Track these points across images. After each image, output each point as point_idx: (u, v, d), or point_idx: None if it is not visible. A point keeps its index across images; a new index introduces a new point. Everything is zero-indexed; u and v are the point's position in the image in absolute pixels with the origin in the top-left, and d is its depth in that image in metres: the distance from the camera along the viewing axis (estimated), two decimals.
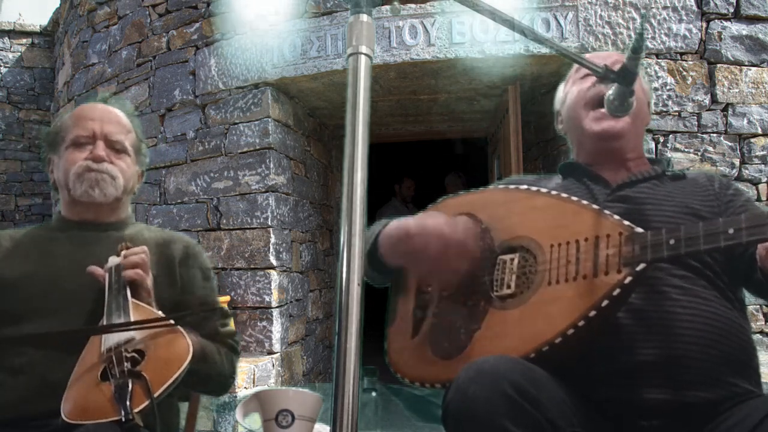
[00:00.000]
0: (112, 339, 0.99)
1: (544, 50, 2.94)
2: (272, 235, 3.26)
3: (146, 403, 0.88)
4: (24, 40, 5.88)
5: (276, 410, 0.99)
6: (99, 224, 1.27)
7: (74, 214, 1.27)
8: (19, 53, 5.87)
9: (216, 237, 3.38)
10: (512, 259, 0.98)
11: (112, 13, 3.99)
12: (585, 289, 0.87)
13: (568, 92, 1.20)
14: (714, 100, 2.91)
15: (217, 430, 2.68)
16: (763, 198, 2.87)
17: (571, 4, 2.98)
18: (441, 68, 3.21)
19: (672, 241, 0.82)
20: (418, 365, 1.01)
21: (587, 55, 1.03)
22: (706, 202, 1.05)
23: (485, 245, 1.02)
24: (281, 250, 3.38)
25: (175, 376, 0.94)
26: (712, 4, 2.92)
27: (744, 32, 2.92)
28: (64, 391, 0.94)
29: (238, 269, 3.31)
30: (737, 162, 2.88)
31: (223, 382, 1.23)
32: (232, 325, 1.34)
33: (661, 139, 2.90)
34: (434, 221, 0.97)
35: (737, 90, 2.91)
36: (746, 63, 2.92)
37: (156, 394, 0.89)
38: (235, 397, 2.72)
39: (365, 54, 0.68)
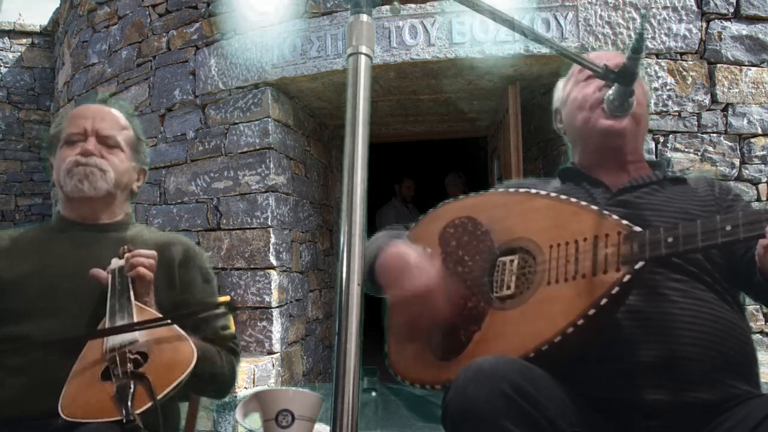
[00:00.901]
0: (115, 339, 0.99)
1: (544, 50, 2.94)
2: (272, 235, 3.26)
3: (148, 404, 0.88)
4: (24, 40, 5.88)
5: (276, 410, 0.99)
6: (98, 224, 1.27)
7: (71, 212, 1.27)
8: (19, 53, 5.87)
9: (216, 237, 3.38)
10: (512, 261, 0.98)
11: (112, 13, 3.99)
12: (584, 288, 0.87)
13: (569, 93, 1.19)
14: (714, 100, 2.91)
15: (217, 430, 2.68)
16: (763, 198, 2.87)
17: (571, 4, 2.98)
18: (441, 68, 3.21)
19: (670, 239, 0.82)
20: (417, 367, 1.02)
21: (588, 55, 1.03)
22: (706, 207, 1.05)
23: (485, 247, 1.02)
24: (281, 250, 3.38)
25: (178, 380, 0.94)
26: (712, 4, 2.92)
27: (744, 32, 2.92)
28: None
29: (238, 269, 3.31)
30: (737, 162, 2.88)
31: (224, 384, 1.22)
32: (232, 327, 1.34)
33: (661, 139, 2.89)
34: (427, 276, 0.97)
35: (737, 90, 2.91)
36: (746, 63, 2.92)
37: (159, 397, 0.89)
38: (235, 397, 2.72)
39: (365, 54, 0.68)
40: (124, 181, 1.29)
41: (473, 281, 1.01)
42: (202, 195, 3.45)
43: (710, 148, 2.89)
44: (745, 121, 2.90)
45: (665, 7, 2.94)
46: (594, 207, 0.95)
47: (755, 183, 2.88)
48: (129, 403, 0.86)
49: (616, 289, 0.85)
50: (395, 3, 0.95)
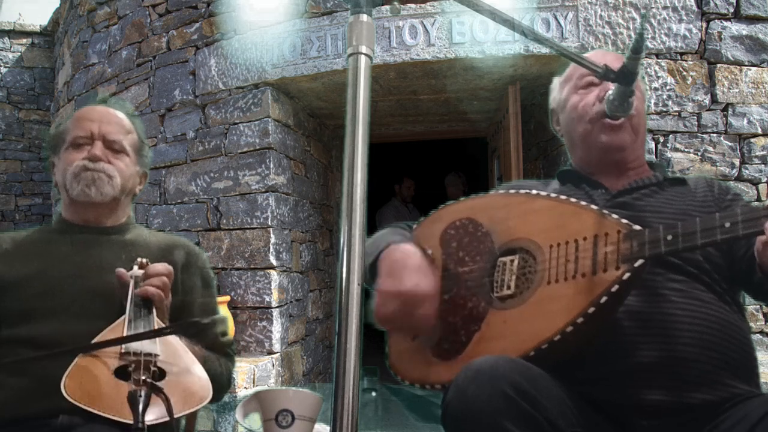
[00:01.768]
0: (134, 344, 0.98)
1: (544, 50, 2.94)
2: (272, 235, 3.26)
3: (162, 419, 0.87)
4: (24, 40, 5.88)
5: (276, 410, 0.99)
6: (100, 227, 1.27)
7: (74, 216, 1.27)
8: (19, 53, 5.87)
9: (216, 237, 3.38)
10: (512, 261, 0.98)
11: (112, 13, 3.99)
12: (584, 286, 0.87)
13: (568, 99, 1.18)
14: (714, 100, 2.91)
15: (217, 430, 2.68)
16: (763, 198, 2.87)
17: (571, 4, 2.98)
18: (441, 68, 3.21)
19: (669, 237, 0.82)
20: (418, 367, 1.02)
21: (587, 54, 1.03)
22: (705, 208, 1.05)
23: (485, 248, 1.02)
24: (281, 250, 3.38)
25: (190, 410, 0.94)
26: (712, 4, 2.92)
27: (744, 32, 2.92)
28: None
29: (238, 269, 3.31)
30: (737, 162, 2.88)
31: (221, 390, 1.23)
32: (231, 333, 1.35)
33: (661, 139, 2.89)
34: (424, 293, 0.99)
35: (737, 90, 2.91)
36: (746, 63, 2.92)
37: (175, 416, 0.89)
38: (235, 397, 2.72)
39: (365, 54, 0.68)
40: (129, 186, 1.30)
41: (474, 281, 1.01)
42: (202, 195, 3.45)
43: (710, 148, 2.89)
44: (745, 121, 2.90)
45: (665, 7, 2.94)
46: (594, 207, 0.95)
47: (755, 183, 2.88)
48: (140, 410, 0.85)
49: (616, 287, 0.85)
50: (395, 3, 0.95)
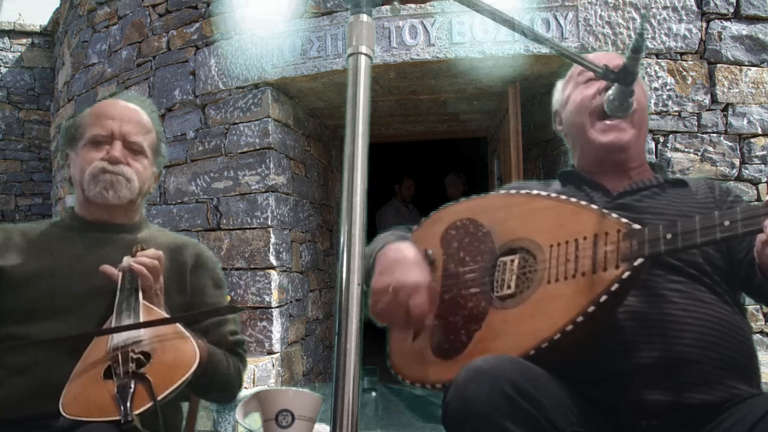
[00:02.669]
0: (119, 338, 0.99)
1: (544, 50, 2.94)
2: (272, 235, 3.27)
3: (147, 405, 0.88)
4: (24, 40, 5.88)
5: (276, 410, 0.99)
6: (113, 225, 1.26)
7: (88, 214, 1.26)
8: (19, 53, 5.87)
9: (216, 237, 3.38)
10: (512, 260, 0.98)
11: (112, 13, 3.99)
12: (584, 285, 0.87)
13: (569, 96, 1.19)
14: (714, 100, 2.91)
15: (217, 430, 2.68)
16: (764, 198, 2.87)
17: (571, 4, 2.98)
18: (441, 68, 3.21)
19: (669, 236, 0.82)
20: (419, 366, 1.02)
21: (587, 56, 1.03)
22: (706, 210, 1.05)
23: (486, 248, 1.02)
24: (281, 250, 3.38)
25: (179, 382, 0.94)
26: (712, 4, 2.92)
27: (744, 32, 2.92)
28: None
29: (238, 269, 3.31)
30: (737, 162, 2.88)
31: (230, 390, 1.22)
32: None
33: (661, 139, 2.89)
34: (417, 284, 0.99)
35: (737, 90, 2.91)
36: (746, 63, 2.92)
37: (159, 398, 0.89)
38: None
39: (365, 54, 0.69)
40: (145, 188, 1.29)
41: (474, 281, 1.01)
42: (202, 195, 3.45)
43: (710, 148, 2.89)
44: (745, 121, 2.90)
45: (665, 7, 2.94)
46: (594, 206, 0.95)
47: (755, 183, 2.88)
48: (128, 403, 0.85)
49: (616, 285, 0.85)
50: (395, 3, 0.96)
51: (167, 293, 1.16)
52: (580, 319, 0.85)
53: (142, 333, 1.00)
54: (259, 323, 3.23)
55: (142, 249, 1.16)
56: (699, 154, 2.88)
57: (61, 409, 0.88)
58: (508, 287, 0.96)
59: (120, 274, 1.10)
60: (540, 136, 3.79)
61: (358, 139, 0.66)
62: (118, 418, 0.84)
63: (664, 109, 2.90)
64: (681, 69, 2.92)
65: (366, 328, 0.66)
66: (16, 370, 1.04)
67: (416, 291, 0.98)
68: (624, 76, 0.92)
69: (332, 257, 4.43)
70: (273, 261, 3.25)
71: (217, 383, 1.16)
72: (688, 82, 2.91)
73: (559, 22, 2.98)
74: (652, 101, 2.89)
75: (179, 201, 3.51)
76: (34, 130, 5.80)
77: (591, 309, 0.85)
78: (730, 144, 2.89)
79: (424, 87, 3.56)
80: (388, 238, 1.11)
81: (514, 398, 0.77)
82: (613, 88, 0.99)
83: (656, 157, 2.88)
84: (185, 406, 1.32)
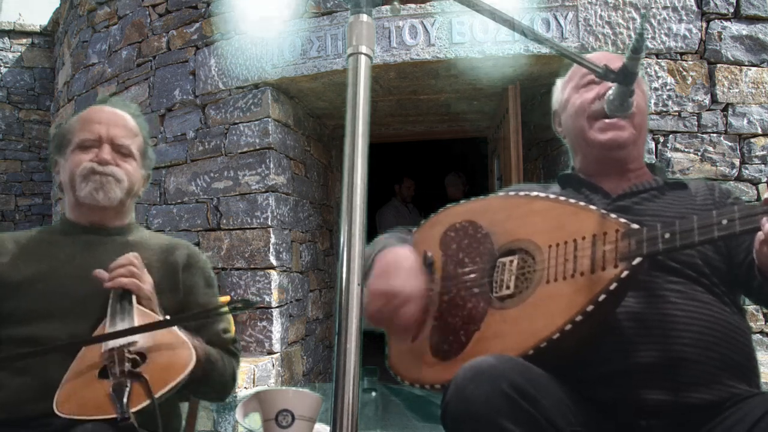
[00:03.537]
0: (114, 340, 0.99)
1: (544, 50, 2.94)
2: (272, 235, 3.26)
3: (144, 404, 0.88)
4: (24, 40, 5.88)
5: (276, 410, 0.99)
6: (104, 228, 1.27)
7: (79, 217, 1.27)
8: (19, 53, 5.87)
9: (216, 237, 3.38)
10: (511, 261, 0.99)
11: (112, 13, 3.99)
12: (583, 285, 0.88)
13: (569, 99, 1.18)
14: (714, 100, 2.91)
15: (217, 430, 2.68)
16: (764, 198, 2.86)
17: (571, 4, 2.98)
18: (441, 68, 3.21)
19: (667, 235, 0.82)
20: (418, 367, 1.02)
21: (590, 56, 1.03)
22: (705, 212, 1.05)
23: (485, 250, 1.03)
24: (281, 250, 3.38)
25: (175, 382, 0.94)
26: (712, 4, 2.92)
27: (744, 32, 2.92)
28: None
29: (238, 269, 3.31)
30: (737, 162, 2.88)
31: (224, 388, 1.23)
32: (232, 331, 1.34)
33: (661, 139, 2.89)
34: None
35: (737, 90, 2.90)
36: (746, 63, 2.92)
37: (155, 396, 0.89)
38: (235, 397, 2.72)
39: (365, 54, 0.69)
40: (135, 189, 1.30)
41: (473, 282, 1.01)
42: (202, 195, 3.45)
43: (710, 148, 2.89)
44: (745, 121, 2.90)
45: (665, 7, 2.94)
46: (593, 207, 0.96)
47: (755, 183, 2.88)
48: (125, 401, 0.86)
49: (614, 285, 0.85)
50: (395, 3, 0.96)
51: (160, 293, 1.16)
52: (579, 318, 0.85)
53: (137, 335, 1.00)
54: (259, 323, 3.23)
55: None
56: (699, 154, 2.88)
57: (55, 409, 0.89)
58: (507, 288, 0.96)
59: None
60: (540, 136, 3.79)
61: (358, 139, 0.66)
62: (114, 416, 0.85)
63: (664, 109, 2.90)
64: (681, 69, 2.92)
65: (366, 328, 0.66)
66: (16, 371, 1.04)
67: (408, 301, 0.99)
68: (624, 76, 0.92)
69: (332, 257, 4.43)
70: (273, 261, 3.25)
71: (212, 382, 1.17)
72: (688, 82, 2.91)
73: (559, 22, 2.98)
74: (652, 101, 2.89)
75: (179, 201, 3.51)
76: (34, 130, 5.80)
77: (590, 308, 0.85)
78: (730, 144, 2.89)
79: (424, 87, 3.56)
80: (388, 240, 1.11)
81: (513, 398, 0.77)
82: (613, 88, 0.99)
83: (656, 157, 2.88)
84: (185, 406, 1.32)
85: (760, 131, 2.89)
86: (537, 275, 0.94)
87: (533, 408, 0.78)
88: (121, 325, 1.02)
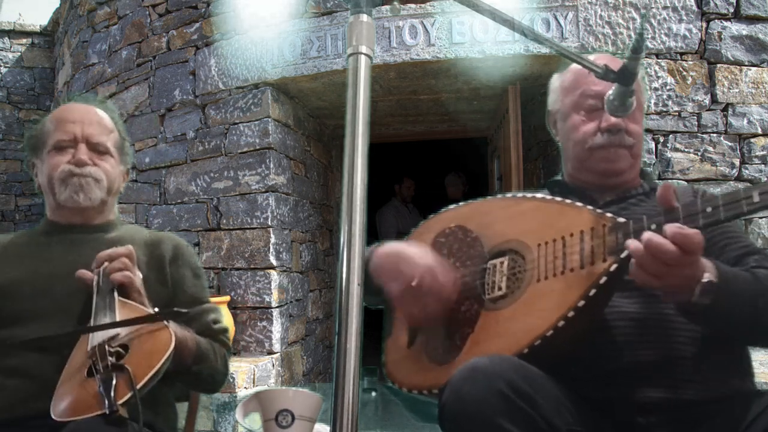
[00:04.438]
0: (97, 337, 1.00)
1: (544, 50, 2.94)
2: (272, 235, 3.26)
3: (130, 394, 0.89)
4: (24, 40, 5.88)
5: (276, 410, 0.99)
6: (87, 227, 1.27)
7: (61, 218, 1.26)
8: (19, 53, 5.87)
9: (216, 237, 3.38)
10: (502, 262, 1.00)
11: (112, 13, 3.99)
12: (573, 281, 0.88)
13: (568, 115, 1.16)
14: (714, 100, 2.91)
15: (217, 430, 2.68)
16: None
17: (571, 4, 2.98)
18: (441, 68, 3.21)
19: (653, 226, 0.83)
20: (415, 373, 1.02)
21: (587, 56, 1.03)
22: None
23: (476, 253, 1.03)
24: (281, 250, 3.38)
25: (158, 366, 0.95)
26: (712, 4, 2.92)
27: (744, 32, 2.92)
28: None
29: (238, 269, 3.31)
30: (737, 162, 2.88)
31: (216, 378, 1.23)
32: (228, 322, 1.35)
33: (661, 139, 2.89)
34: (426, 257, 0.99)
35: (737, 90, 2.90)
36: (746, 63, 2.92)
37: (139, 385, 0.91)
38: (235, 397, 2.72)
39: (365, 54, 0.69)
40: (115, 187, 1.30)
41: (465, 286, 1.02)
42: (202, 195, 3.45)
43: (710, 148, 2.89)
44: (745, 121, 2.90)
45: (665, 7, 2.94)
46: (579, 204, 0.96)
47: (755, 183, 2.87)
48: (111, 395, 0.87)
49: (604, 279, 0.86)
50: (395, 3, 0.96)
51: (148, 287, 1.16)
52: (571, 314, 0.86)
53: (117, 328, 1.02)
54: (259, 323, 3.23)
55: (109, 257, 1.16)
56: (699, 154, 2.88)
57: (51, 415, 0.90)
58: (499, 289, 0.97)
59: (95, 276, 1.11)
60: (540, 136, 3.79)
61: (358, 139, 0.66)
62: (103, 411, 0.85)
63: (664, 109, 2.90)
64: (681, 69, 2.92)
65: (366, 328, 0.66)
66: (9, 372, 1.05)
67: (433, 271, 0.98)
68: (624, 76, 0.92)
69: (332, 257, 4.43)
70: (273, 261, 3.25)
71: (204, 372, 1.17)
72: (688, 82, 2.91)
73: (559, 22, 2.98)
74: (652, 101, 2.89)
75: (179, 201, 3.51)
76: None
77: (581, 303, 0.86)
78: (730, 144, 2.89)
79: (424, 87, 3.56)
80: (373, 247, 1.12)
81: (509, 397, 0.78)
82: (613, 88, 0.99)
83: (656, 157, 2.88)
84: (184, 406, 1.32)
85: (760, 131, 2.89)
86: (528, 274, 0.95)
87: (530, 407, 0.78)
88: (104, 321, 1.03)
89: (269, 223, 3.25)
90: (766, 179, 2.87)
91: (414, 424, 1.80)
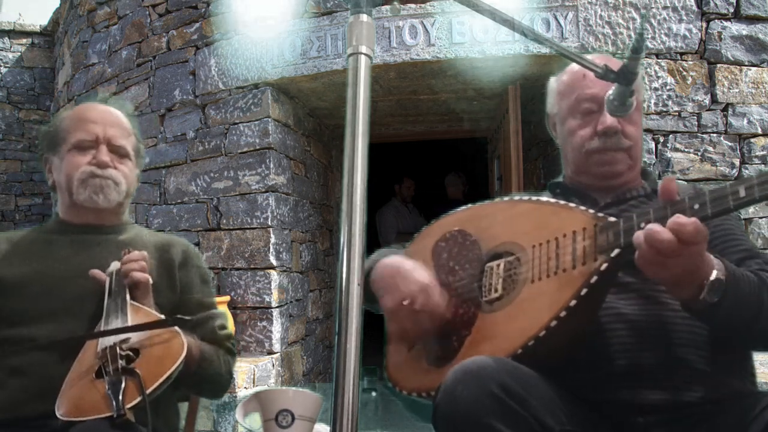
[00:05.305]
0: (108, 339, 0.99)
1: (544, 50, 2.94)
2: (272, 235, 3.26)
3: (138, 399, 0.89)
4: (24, 40, 5.88)
5: (276, 410, 0.99)
6: (100, 227, 1.27)
7: (75, 218, 1.26)
8: (19, 53, 5.87)
9: (216, 237, 3.38)
10: (498, 265, 1.01)
11: (112, 13, 3.99)
12: (565, 281, 0.89)
13: (566, 119, 1.16)
14: (714, 100, 2.91)
15: (217, 430, 2.68)
16: None
17: (571, 4, 2.98)
18: (441, 68, 3.21)
19: (643, 225, 0.83)
20: (414, 376, 1.03)
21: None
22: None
23: (474, 256, 1.04)
24: (281, 250, 3.38)
25: (168, 372, 0.95)
26: (712, 4, 2.92)
27: (744, 32, 2.92)
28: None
29: (238, 269, 3.31)
30: (737, 162, 2.88)
31: (221, 384, 1.23)
32: (231, 327, 1.35)
33: (661, 139, 2.89)
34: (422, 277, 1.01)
35: (737, 90, 2.90)
36: (746, 63, 2.92)
37: (149, 391, 0.90)
38: (235, 397, 2.72)
39: (365, 54, 0.69)
40: (132, 190, 1.31)
41: (464, 289, 1.03)
42: (202, 195, 3.45)
43: (710, 148, 2.89)
44: (745, 121, 2.90)
45: (665, 7, 2.94)
46: (572, 204, 0.97)
47: None
48: (120, 398, 0.87)
49: (595, 278, 0.86)
50: (395, 3, 0.96)
51: (157, 291, 1.17)
52: (563, 314, 0.86)
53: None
54: (259, 323, 3.23)
55: (129, 253, 1.17)
56: (699, 154, 2.88)
57: (57, 413, 0.89)
58: (496, 291, 0.98)
59: (108, 277, 1.12)
60: (540, 136, 3.79)
61: (358, 139, 0.66)
62: (110, 414, 0.85)
63: (664, 109, 2.90)
64: (681, 69, 2.92)
65: (366, 328, 0.66)
66: (14, 371, 1.05)
67: (428, 291, 0.99)
68: (624, 76, 0.92)
69: (332, 257, 4.43)
70: (273, 261, 3.25)
71: (208, 378, 1.18)
72: (688, 82, 2.91)
73: (559, 22, 2.98)
74: (652, 101, 2.89)
75: (179, 201, 3.51)
76: (34, 130, 5.80)
77: (573, 303, 0.86)
78: (730, 144, 2.89)
79: (424, 87, 3.56)
80: (380, 254, 1.13)
81: (501, 398, 0.78)
82: (612, 88, 0.99)
83: (656, 157, 2.88)
84: (184, 406, 1.32)
85: (760, 131, 2.89)
86: (522, 276, 0.96)
87: (522, 408, 0.78)
88: (116, 323, 1.03)
89: (269, 223, 3.25)
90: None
91: (414, 424, 1.80)
